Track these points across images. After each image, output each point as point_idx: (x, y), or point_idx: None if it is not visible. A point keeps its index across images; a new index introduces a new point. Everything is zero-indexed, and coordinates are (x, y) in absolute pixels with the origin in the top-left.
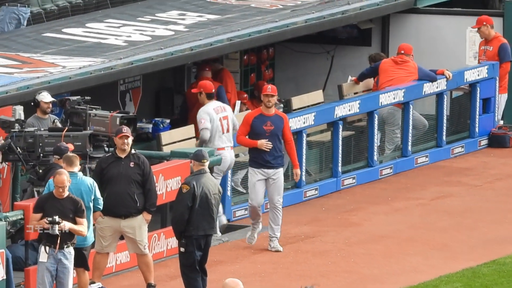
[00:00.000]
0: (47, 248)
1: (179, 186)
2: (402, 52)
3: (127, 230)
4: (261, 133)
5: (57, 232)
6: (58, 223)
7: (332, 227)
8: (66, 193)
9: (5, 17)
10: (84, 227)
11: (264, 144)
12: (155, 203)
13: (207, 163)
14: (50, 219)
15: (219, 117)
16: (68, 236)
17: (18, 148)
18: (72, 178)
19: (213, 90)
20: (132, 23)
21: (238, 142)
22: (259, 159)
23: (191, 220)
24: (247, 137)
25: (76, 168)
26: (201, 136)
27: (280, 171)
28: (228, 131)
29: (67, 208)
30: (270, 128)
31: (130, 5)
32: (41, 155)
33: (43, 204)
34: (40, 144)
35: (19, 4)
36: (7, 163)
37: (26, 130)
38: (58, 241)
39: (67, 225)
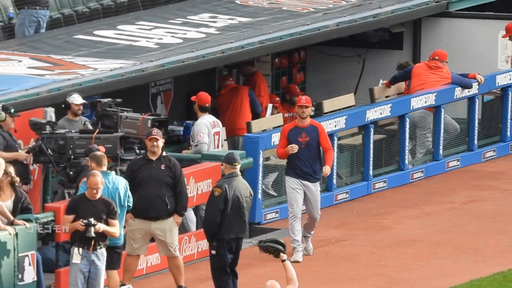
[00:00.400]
0: (80, 249)
1: (211, 189)
2: (437, 58)
3: (157, 233)
4: (297, 145)
5: (93, 234)
6: (94, 225)
7: (363, 230)
8: (99, 195)
9: (25, 20)
10: (116, 229)
11: (289, 148)
12: (186, 205)
13: (238, 166)
14: (85, 221)
15: (213, 132)
16: (101, 238)
17: (49, 150)
18: (107, 177)
19: (207, 105)
20: (163, 26)
21: (278, 156)
22: (297, 169)
23: (222, 223)
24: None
25: (105, 167)
26: (198, 149)
27: (317, 185)
28: (218, 147)
29: (100, 210)
30: (305, 140)
31: (162, 7)
32: (72, 157)
33: (75, 206)
34: (71, 146)
35: (38, 7)
36: (37, 164)
37: (57, 132)
38: (92, 243)
39: (101, 227)
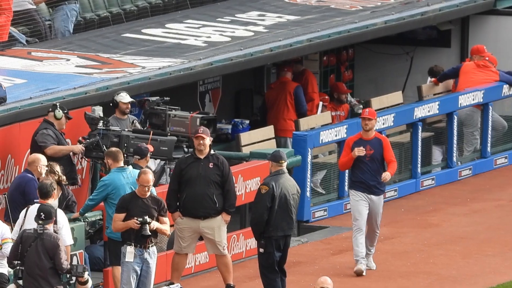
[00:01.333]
0: (133, 247)
1: (258, 187)
2: (487, 58)
3: (206, 231)
4: (361, 158)
5: (149, 233)
6: (149, 223)
7: (411, 228)
8: (149, 193)
9: (68, 15)
10: (167, 226)
11: (357, 151)
12: (234, 204)
13: (285, 164)
14: (140, 219)
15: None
16: (154, 235)
17: (104, 146)
18: (124, 172)
19: None
20: (211, 24)
21: (340, 166)
22: (362, 183)
23: (270, 220)
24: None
25: (121, 162)
26: None
27: (381, 197)
28: None
29: (151, 207)
30: (370, 152)
31: (210, 5)
32: (125, 155)
33: (126, 204)
34: (125, 145)
35: (75, 1)
36: (86, 160)
37: (112, 129)
38: (147, 241)
39: (155, 225)
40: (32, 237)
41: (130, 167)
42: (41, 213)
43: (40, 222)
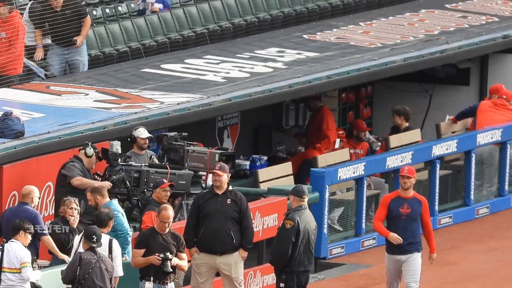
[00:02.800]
0: (152, 283)
1: (281, 222)
2: (504, 96)
3: (223, 267)
4: (397, 216)
5: (170, 269)
6: (170, 259)
7: (428, 265)
8: (168, 229)
9: (86, 49)
10: (185, 262)
11: (394, 238)
12: (251, 240)
13: (307, 199)
14: (162, 255)
15: None
16: (173, 271)
17: (127, 182)
18: (113, 204)
19: None
20: (231, 60)
21: (374, 227)
22: (392, 245)
23: (293, 256)
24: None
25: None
26: None
27: (416, 255)
28: None
29: (170, 243)
30: (406, 211)
31: (229, 41)
32: (146, 190)
33: (146, 240)
34: (145, 180)
35: None
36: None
37: (134, 164)
38: (167, 277)
39: (176, 261)
40: (93, 259)
41: (116, 200)
42: (93, 236)
43: (94, 245)
